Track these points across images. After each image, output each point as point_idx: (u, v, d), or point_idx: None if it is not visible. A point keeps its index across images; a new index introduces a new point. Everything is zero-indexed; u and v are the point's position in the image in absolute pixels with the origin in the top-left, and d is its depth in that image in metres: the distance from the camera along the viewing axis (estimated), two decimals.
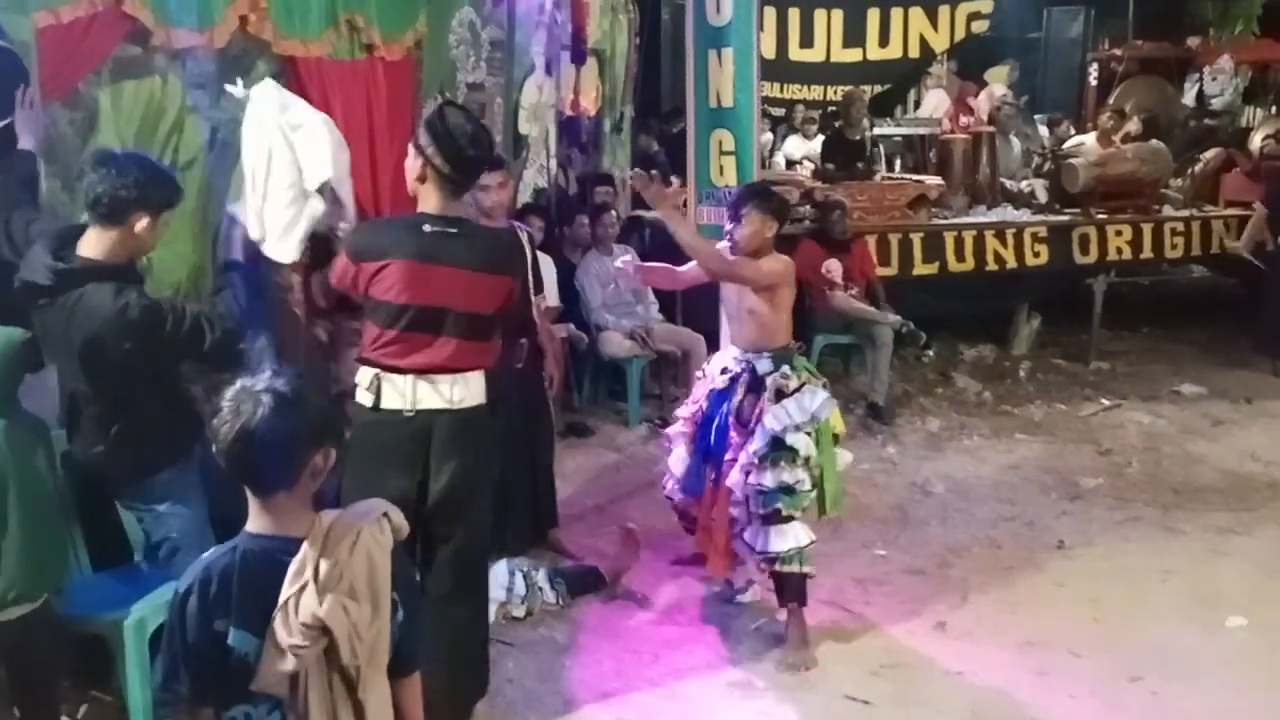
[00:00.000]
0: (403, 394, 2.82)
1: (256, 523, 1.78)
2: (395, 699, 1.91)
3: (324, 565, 1.73)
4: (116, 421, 2.83)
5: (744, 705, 3.34)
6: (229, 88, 3.49)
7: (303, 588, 1.72)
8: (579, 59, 6.90)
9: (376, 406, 2.84)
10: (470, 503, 2.94)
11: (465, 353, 2.87)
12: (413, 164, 2.86)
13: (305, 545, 1.74)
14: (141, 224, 2.80)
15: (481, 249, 2.89)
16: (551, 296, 5.03)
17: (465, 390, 2.87)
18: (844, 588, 3.89)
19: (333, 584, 1.72)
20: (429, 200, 2.87)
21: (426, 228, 2.82)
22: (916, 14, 10.36)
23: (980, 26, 10.66)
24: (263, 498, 1.77)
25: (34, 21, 3.25)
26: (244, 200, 3.29)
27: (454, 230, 2.85)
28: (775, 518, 3.53)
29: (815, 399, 3.57)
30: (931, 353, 7.32)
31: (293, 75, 4.81)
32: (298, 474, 1.75)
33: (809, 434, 3.56)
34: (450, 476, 2.86)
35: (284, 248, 3.22)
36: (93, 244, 2.78)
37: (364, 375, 2.87)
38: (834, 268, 6.36)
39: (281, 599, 1.72)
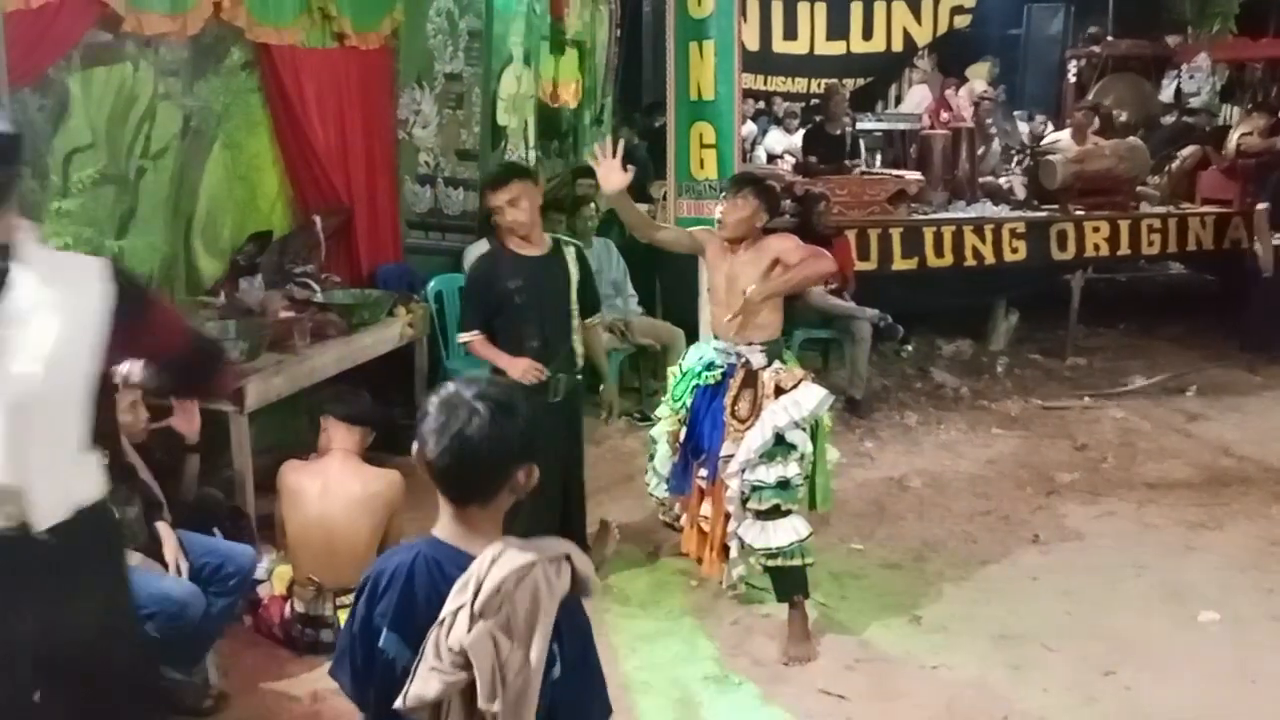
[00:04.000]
0: None
1: (444, 530, 1.70)
2: None
3: (486, 588, 1.57)
4: None
5: (719, 700, 3.33)
6: None
7: (461, 608, 1.59)
8: (558, 50, 6.87)
9: None
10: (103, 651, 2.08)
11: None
12: None
13: (476, 562, 1.61)
14: None
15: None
16: None
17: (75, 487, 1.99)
18: (820, 581, 3.88)
19: (491, 611, 1.57)
20: None
21: None
22: (900, 7, 10.40)
23: (962, 21, 10.71)
24: (458, 507, 1.69)
25: (1, 6, 3.20)
26: None
27: None
28: (774, 513, 3.52)
29: (815, 396, 3.56)
30: (910, 348, 7.34)
31: (266, 63, 4.78)
32: (499, 487, 1.67)
33: (805, 430, 3.55)
34: (70, 619, 1.99)
35: None
36: None
37: None
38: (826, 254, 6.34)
39: (441, 614, 1.60)
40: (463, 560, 1.64)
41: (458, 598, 1.59)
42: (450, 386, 1.69)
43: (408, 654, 1.63)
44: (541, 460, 1.72)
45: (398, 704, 1.60)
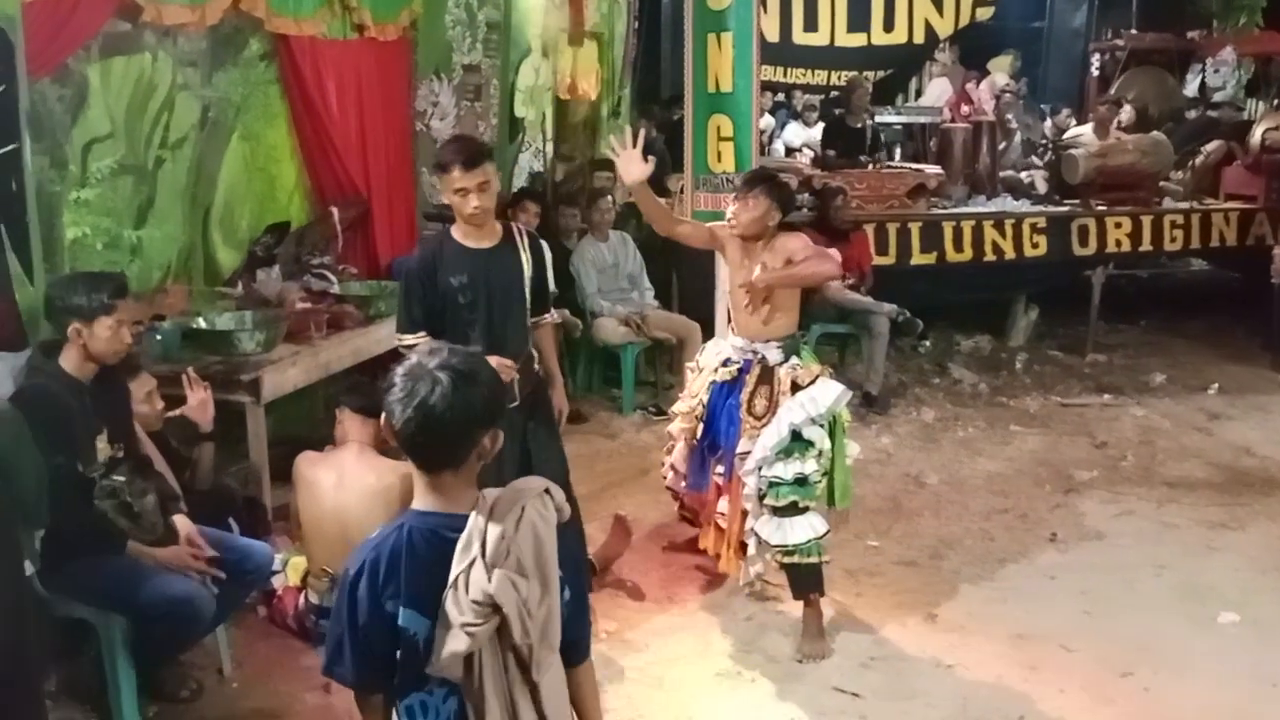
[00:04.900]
0: None
1: (423, 500, 1.75)
2: (571, 688, 1.84)
3: (491, 540, 1.67)
4: None
5: (732, 696, 3.32)
6: None
7: (471, 564, 1.67)
8: (577, 42, 6.85)
9: None
10: None
11: None
12: None
13: (471, 520, 1.69)
14: (75, 332, 2.85)
15: None
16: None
17: None
18: (835, 579, 3.86)
19: (500, 559, 1.66)
20: None
21: None
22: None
23: (985, 13, 10.60)
24: (431, 475, 1.73)
25: None
26: None
27: None
28: (791, 510, 3.50)
29: (831, 392, 3.53)
30: (928, 343, 7.30)
31: (285, 54, 4.78)
32: (467, 453, 1.72)
33: (822, 426, 3.53)
34: None
35: None
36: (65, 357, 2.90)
37: None
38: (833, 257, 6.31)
39: (451, 576, 1.67)
40: (456, 522, 1.70)
41: (464, 556, 1.67)
42: (414, 357, 1.74)
43: (427, 623, 1.68)
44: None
45: (430, 668, 1.68)
